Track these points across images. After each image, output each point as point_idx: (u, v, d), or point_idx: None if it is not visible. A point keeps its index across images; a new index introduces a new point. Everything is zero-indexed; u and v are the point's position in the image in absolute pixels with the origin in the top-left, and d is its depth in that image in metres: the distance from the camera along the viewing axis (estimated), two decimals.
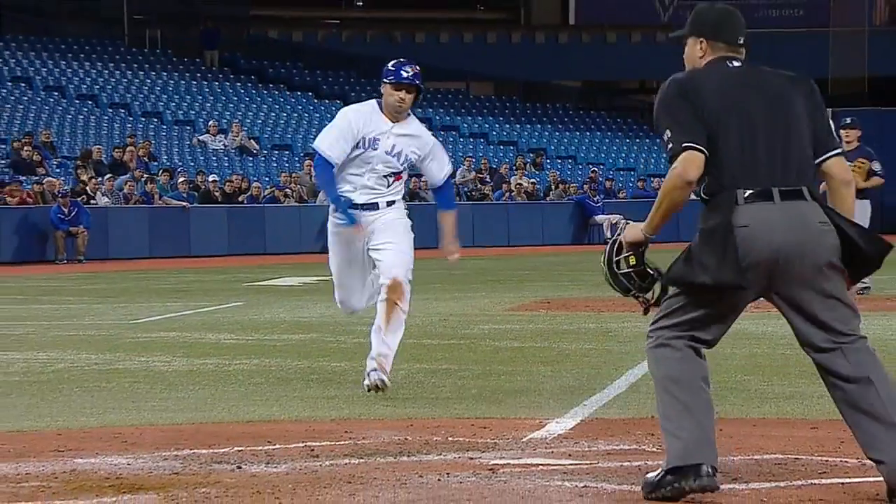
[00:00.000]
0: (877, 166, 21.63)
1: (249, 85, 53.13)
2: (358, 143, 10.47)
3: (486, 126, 54.74)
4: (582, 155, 54.05)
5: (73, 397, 10.53)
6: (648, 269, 6.69)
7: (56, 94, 47.74)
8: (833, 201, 6.72)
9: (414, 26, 60.51)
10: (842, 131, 20.97)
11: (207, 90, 51.49)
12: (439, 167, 10.79)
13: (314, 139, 10.84)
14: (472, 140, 52.82)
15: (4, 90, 46.78)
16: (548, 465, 7.25)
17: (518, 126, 55.62)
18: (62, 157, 42.43)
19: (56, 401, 10.31)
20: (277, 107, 51.52)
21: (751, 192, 6.47)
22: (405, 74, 10.49)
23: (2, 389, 11.04)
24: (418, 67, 10.53)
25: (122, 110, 48.13)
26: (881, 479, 6.81)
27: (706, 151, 6.47)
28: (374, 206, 10.54)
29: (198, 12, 56.50)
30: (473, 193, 45.32)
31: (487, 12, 64.77)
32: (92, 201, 37.99)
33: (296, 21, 60.07)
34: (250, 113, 50.35)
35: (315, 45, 58.12)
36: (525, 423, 8.64)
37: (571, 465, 7.27)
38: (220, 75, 53.48)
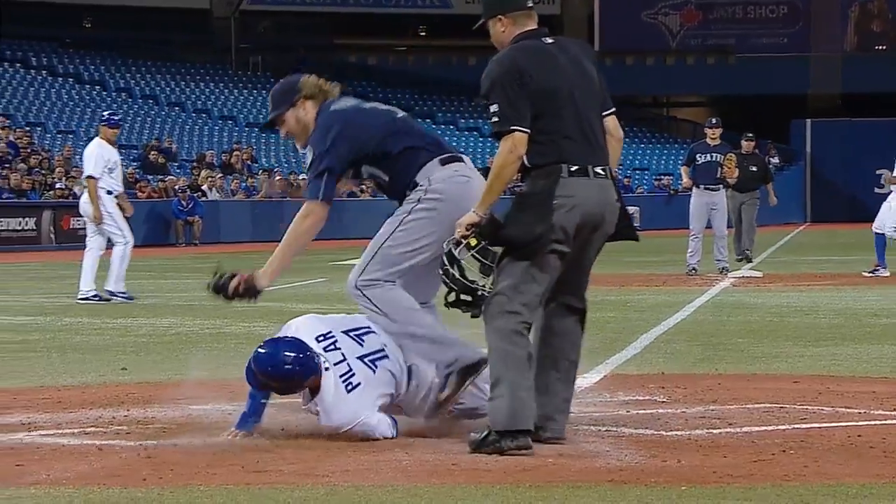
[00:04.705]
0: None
1: None
2: None
3: None
4: None
5: (189, 355, 10.53)
6: (486, 245, 6.27)
7: (177, 108, 47.95)
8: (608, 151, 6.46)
9: (467, 52, 60.23)
10: (707, 130, 19.95)
11: None
12: None
13: None
14: None
15: (136, 105, 47.05)
16: (577, 412, 7.19)
17: None
18: (182, 159, 42.61)
19: (176, 358, 10.31)
20: None
21: (574, 167, 6.23)
22: None
23: (132, 348, 11.08)
24: None
25: (230, 122, 48.29)
26: (852, 423, 6.74)
27: (529, 132, 6.15)
28: None
29: (291, 42, 56.67)
30: (515, 189, 45.10)
31: None
32: (204, 196, 38.14)
33: (371, 48, 60.10)
34: None
35: (386, 67, 58.11)
36: None
37: (596, 412, 7.21)
38: None
